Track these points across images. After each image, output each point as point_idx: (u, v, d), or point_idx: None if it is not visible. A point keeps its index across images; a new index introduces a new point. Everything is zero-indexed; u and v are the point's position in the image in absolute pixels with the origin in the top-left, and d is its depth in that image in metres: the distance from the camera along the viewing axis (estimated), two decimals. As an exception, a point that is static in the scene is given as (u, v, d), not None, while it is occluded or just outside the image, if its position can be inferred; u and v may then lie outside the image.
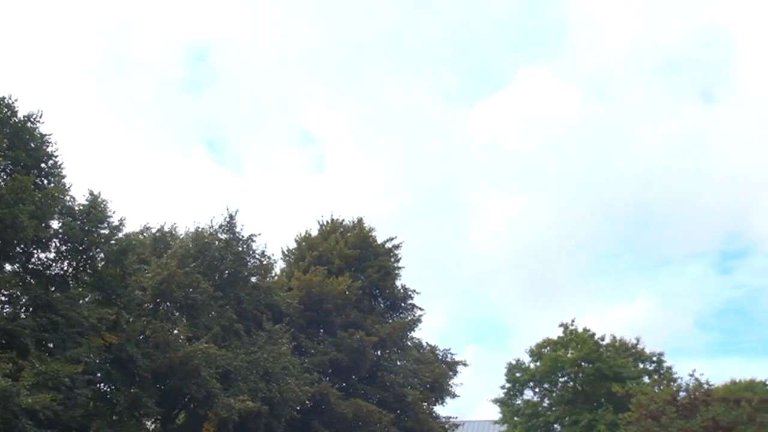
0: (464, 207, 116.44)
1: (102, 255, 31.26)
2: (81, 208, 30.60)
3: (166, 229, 40.10)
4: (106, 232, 31.11)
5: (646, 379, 58.30)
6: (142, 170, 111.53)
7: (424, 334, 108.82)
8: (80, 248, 30.63)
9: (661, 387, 45.47)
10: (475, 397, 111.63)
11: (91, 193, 31.06)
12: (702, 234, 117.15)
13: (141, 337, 32.23)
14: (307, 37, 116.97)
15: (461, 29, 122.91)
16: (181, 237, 39.45)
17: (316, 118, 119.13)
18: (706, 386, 42.60)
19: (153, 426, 34.55)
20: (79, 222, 30.36)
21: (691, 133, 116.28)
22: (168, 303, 35.09)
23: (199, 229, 39.30)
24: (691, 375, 43.48)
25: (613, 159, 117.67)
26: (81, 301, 30.18)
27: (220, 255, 38.46)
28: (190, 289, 35.04)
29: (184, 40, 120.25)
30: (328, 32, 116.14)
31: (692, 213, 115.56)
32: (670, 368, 60.50)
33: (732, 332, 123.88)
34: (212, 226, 39.55)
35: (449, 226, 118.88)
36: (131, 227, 38.62)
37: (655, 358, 61.98)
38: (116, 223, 31.56)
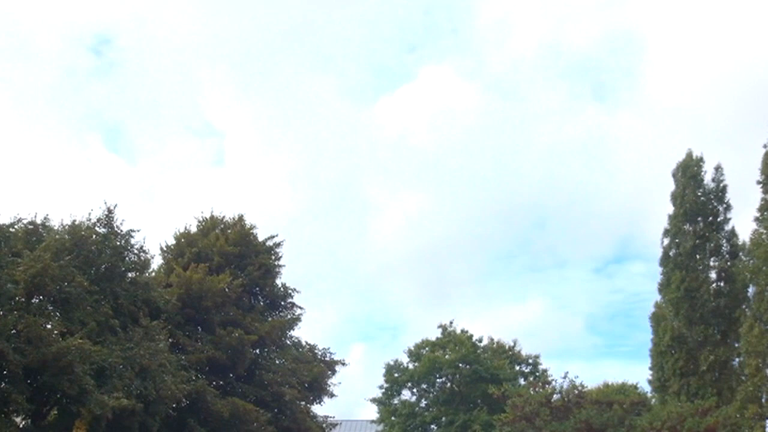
0: (365, 204, 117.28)
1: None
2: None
3: (38, 221, 38.84)
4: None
5: (522, 381, 59.44)
6: (31, 158, 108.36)
7: (313, 331, 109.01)
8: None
9: (537, 389, 46.28)
10: (362, 396, 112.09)
11: (-37, 183, 30.00)
12: (596, 238, 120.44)
13: (12, 332, 31.10)
14: (214, 28, 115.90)
15: (370, 25, 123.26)
16: (56, 229, 38.38)
17: (219, 110, 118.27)
18: (580, 389, 43.58)
19: (23, 423, 33.57)
20: (-51, 212, 29.35)
21: (593, 137, 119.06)
22: (41, 297, 33.99)
23: (76, 222, 38.28)
24: (565, 377, 44.45)
25: (514, 160, 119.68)
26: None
27: (97, 249, 37.54)
28: (65, 283, 33.99)
29: (88, 27, 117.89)
30: (235, 24, 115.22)
31: (588, 216, 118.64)
32: (545, 371, 62.06)
33: (616, 336, 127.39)
34: (89, 219, 38.59)
35: (349, 223, 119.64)
36: (5, 218, 37.47)
37: (531, 361, 63.32)
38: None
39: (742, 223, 57.66)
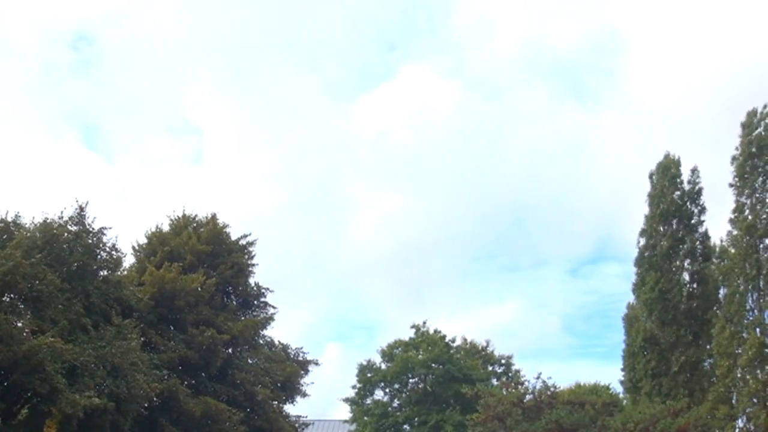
0: (344, 203, 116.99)
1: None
2: None
3: (9, 218, 38.47)
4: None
5: (495, 381, 59.53)
6: (8, 155, 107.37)
7: (289, 330, 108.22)
8: None
9: (509, 389, 46.32)
10: (337, 395, 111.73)
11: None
12: (575, 238, 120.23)
13: (-17, 330, 30.94)
14: (194, 26, 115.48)
15: (349, 24, 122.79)
16: (27, 227, 38.05)
17: (198, 108, 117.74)
18: (552, 389, 43.63)
19: (-7, 422, 33.31)
20: None
21: (573, 137, 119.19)
22: (12, 295, 33.73)
23: (47, 220, 37.97)
24: (538, 378, 44.50)
25: (493, 160, 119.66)
26: None
27: (68, 247, 37.25)
28: (36, 281, 33.77)
29: (67, 24, 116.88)
30: (215, 23, 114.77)
31: (567, 217, 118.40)
32: (518, 371, 62.21)
33: (591, 336, 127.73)
34: (61, 218, 38.27)
35: (328, 221, 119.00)
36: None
37: (503, 361, 63.45)
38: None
39: (716, 226, 58.02)
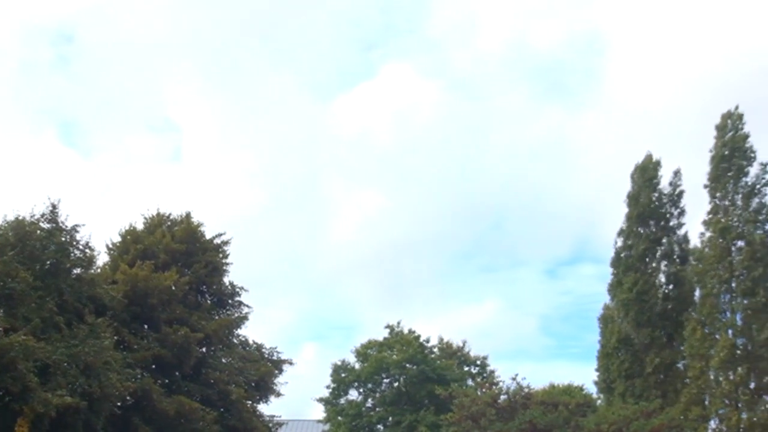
0: (323, 202, 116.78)
1: None
2: None
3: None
4: None
5: (470, 382, 59.71)
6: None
7: (267, 330, 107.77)
8: None
9: (484, 390, 46.44)
10: (313, 395, 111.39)
11: None
12: (554, 239, 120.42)
13: (-46, 328, 30.65)
14: (175, 24, 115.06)
15: (328, 22, 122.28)
16: (-1, 224, 37.78)
17: (178, 106, 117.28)
18: (526, 390, 43.79)
19: (-36, 421, 32.96)
20: None
21: (554, 138, 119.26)
22: (-16, 293, 33.50)
23: (19, 218, 37.65)
24: (513, 379, 44.65)
25: (474, 160, 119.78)
26: None
27: (41, 245, 36.93)
28: (9, 279, 33.48)
29: (48, 21, 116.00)
30: (196, 20, 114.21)
31: (547, 218, 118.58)
32: (493, 372, 62.35)
33: (568, 337, 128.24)
34: (33, 215, 37.97)
35: (307, 221, 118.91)
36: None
37: (479, 362, 63.57)
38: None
39: (699, 228, 58.10)
